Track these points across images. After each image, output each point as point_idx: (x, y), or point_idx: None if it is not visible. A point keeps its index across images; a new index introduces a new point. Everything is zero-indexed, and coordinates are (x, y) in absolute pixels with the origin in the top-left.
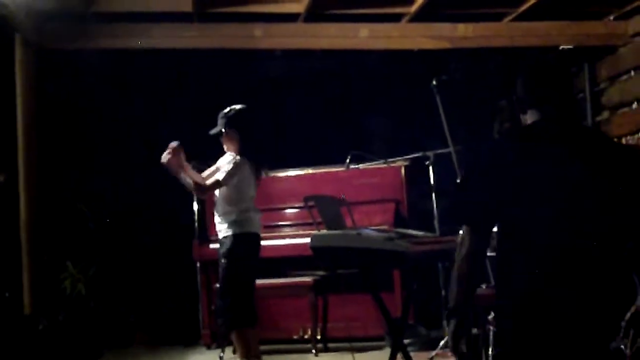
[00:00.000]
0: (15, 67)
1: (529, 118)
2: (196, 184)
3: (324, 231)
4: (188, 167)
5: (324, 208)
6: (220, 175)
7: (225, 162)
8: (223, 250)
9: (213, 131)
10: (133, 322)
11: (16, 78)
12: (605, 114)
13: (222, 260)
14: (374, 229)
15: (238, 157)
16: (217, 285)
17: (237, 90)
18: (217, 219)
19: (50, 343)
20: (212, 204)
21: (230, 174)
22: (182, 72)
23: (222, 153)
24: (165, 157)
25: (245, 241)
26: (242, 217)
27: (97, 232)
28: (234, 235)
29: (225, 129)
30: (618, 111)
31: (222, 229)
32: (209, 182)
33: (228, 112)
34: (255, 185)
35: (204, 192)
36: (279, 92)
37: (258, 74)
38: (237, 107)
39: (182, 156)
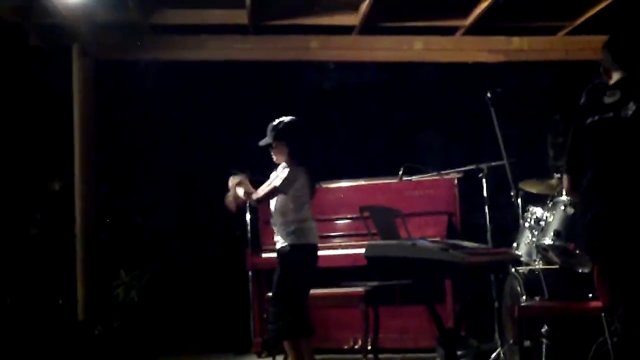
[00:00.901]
0: (72, 77)
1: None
2: (251, 195)
3: (379, 241)
4: (247, 192)
5: (379, 218)
6: (277, 182)
7: (280, 171)
8: (280, 260)
9: (262, 142)
10: (185, 330)
11: (73, 87)
12: None
13: (279, 270)
14: (428, 240)
15: (294, 167)
16: (270, 294)
17: (291, 102)
18: (275, 228)
19: (104, 348)
20: (265, 213)
21: (287, 181)
22: (236, 83)
23: (273, 164)
24: (230, 199)
25: (303, 252)
26: (300, 227)
27: (150, 241)
28: (292, 246)
29: (274, 141)
30: None
31: (280, 239)
32: (264, 190)
33: (277, 124)
34: (310, 195)
35: (260, 201)
36: (333, 104)
37: (312, 86)
38: (286, 119)
39: (243, 184)
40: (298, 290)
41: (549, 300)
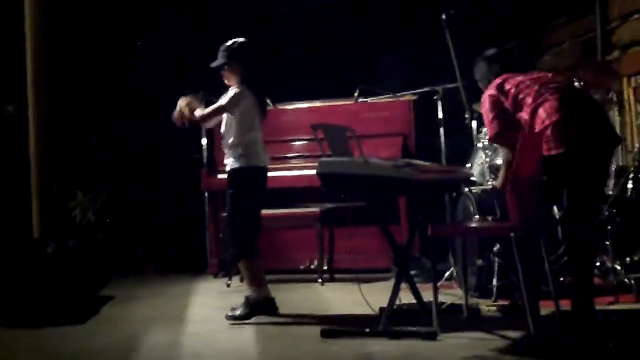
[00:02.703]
0: None
1: None
2: (201, 116)
3: (332, 158)
4: (196, 112)
5: (332, 136)
6: (223, 101)
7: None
8: (230, 182)
9: (215, 64)
10: (141, 252)
11: (25, 8)
12: (616, 53)
13: (230, 191)
14: (381, 158)
15: (240, 87)
16: (225, 214)
17: (244, 25)
18: (225, 150)
19: (58, 267)
20: (220, 136)
21: (233, 100)
22: (193, 5)
23: (224, 88)
24: (176, 117)
25: (252, 174)
26: (249, 150)
27: (107, 163)
28: (242, 169)
29: (227, 61)
30: (628, 50)
31: (230, 162)
32: (210, 108)
33: (231, 44)
34: (260, 117)
35: (205, 119)
36: (289, 25)
37: (267, 9)
38: (240, 40)
39: (193, 105)
40: (251, 212)
41: (500, 220)
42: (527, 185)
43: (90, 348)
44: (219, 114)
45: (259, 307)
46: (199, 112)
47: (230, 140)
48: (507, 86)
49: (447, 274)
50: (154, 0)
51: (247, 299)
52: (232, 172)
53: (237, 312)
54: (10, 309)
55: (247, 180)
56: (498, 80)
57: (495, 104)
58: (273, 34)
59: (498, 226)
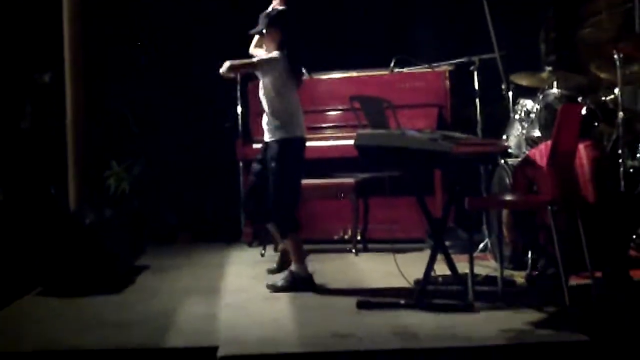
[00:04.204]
0: None
1: None
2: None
3: (369, 130)
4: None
5: (369, 108)
6: (256, 58)
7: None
8: (272, 155)
9: (254, 30)
10: (176, 221)
11: None
12: None
13: (272, 165)
14: (417, 130)
15: (278, 54)
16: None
17: None
18: (265, 120)
19: (96, 237)
20: (256, 106)
21: (268, 61)
22: None
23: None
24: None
25: (293, 146)
26: (288, 121)
27: (141, 134)
28: (283, 140)
29: (266, 28)
30: None
31: (270, 132)
32: (243, 60)
33: (270, 11)
34: (296, 86)
35: (234, 69)
36: None
37: None
38: (280, 7)
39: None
40: (294, 184)
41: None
42: (565, 160)
43: (127, 318)
44: (248, 68)
45: (301, 282)
46: (227, 63)
47: (269, 108)
48: None
49: (481, 245)
50: None
51: (291, 272)
52: (273, 144)
53: (280, 283)
54: (50, 278)
55: (289, 153)
56: None
57: None
58: (309, 4)
59: (535, 199)
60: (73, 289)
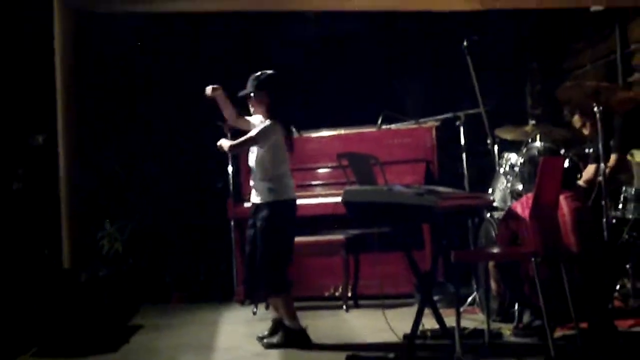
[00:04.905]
0: (54, 29)
1: None
2: (231, 145)
3: (356, 187)
4: (224, 142)
5: (357, 165)
6: (253, 133)
7: (259, 123)
8: (262, 216)
9: (242, 93)
10: (169, 280)
11: (55, 40)
12: (637, 76)
13: (263, 225)
14: (404, 185)
15: (270, 120)
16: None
17: (269, 52)
18: (254, 184)
19: (90, 296)
20: (246, 164)
21: (264, 133)
22: (215, 35)
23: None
24: (208, 89)
25: (284, 208)
26: (280, 184)
27: (134, 193)
28: (273, 203)
29: (255, 91)
30: None
31: (260, 195)
32: (241, 139)
33: (260, 75)
34: (288, 150)
35: (235, 148)
36: (312, 54)
37: (289, 36)
38: (268, 71)
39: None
40: (284, 245)
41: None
42: (547, 212)
43: None
44: (248, 145)
45: (295, 337)
46: (227, 143)
47: (262, 174)
48: None
49: (469, 299)
50: (179, 25)
51: (285, 327)
52: (263, 206)
53: (275, 340)
54: (45, 338)
55: (280, 214)
56: None
57: None
58: (294, 61)
59: (518, 251)
60: (68, 348)
